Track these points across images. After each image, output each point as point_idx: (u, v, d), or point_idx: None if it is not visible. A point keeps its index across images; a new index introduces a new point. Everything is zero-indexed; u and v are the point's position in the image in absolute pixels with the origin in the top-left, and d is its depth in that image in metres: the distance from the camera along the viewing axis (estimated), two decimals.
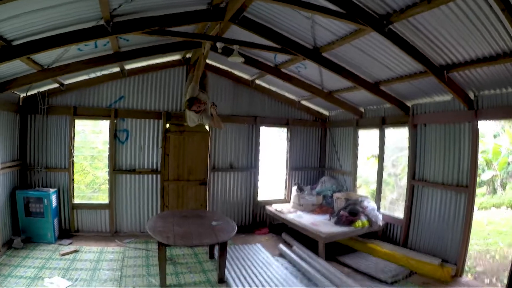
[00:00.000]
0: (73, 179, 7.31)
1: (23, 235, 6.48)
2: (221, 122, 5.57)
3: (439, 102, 6.03)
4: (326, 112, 9.30)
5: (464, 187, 5.49)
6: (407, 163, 6.72)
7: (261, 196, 8.71)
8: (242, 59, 5.62)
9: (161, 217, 6.04)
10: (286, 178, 8.97)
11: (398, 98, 6.59)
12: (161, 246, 4.87)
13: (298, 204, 8.06)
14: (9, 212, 6.43)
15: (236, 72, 8.21)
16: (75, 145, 7.33)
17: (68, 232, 7.25)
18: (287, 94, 8.74)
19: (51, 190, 6.77)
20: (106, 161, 7.69)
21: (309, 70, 6.83)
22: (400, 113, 6.81)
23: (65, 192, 7.23)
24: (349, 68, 6.03)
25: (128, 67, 7.34)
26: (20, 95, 6.82)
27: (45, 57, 5.49)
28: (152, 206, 7.67)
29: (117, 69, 7.26)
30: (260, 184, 8.60)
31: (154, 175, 7.63)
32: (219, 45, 5.24)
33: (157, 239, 4.90)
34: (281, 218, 7.62)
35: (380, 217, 6.85)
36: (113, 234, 7.40)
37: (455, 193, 5.67)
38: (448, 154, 5.86)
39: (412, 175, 6.53)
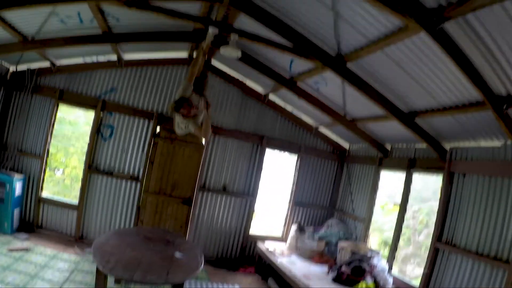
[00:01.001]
0: (44, 169, 6.49)
1: None
2: (210, 130, 4.51)
3: (486, 148, 4.63)
4: (346, 145, 8.04)
5: (504, 262, 4.01)
6: (429, 217, 5.33)
7: (255, 229, 7.49)
8: (239, 53, 4.63)
9: (119, 234, 4.92)
10: (287, 213, 7.67)
11: (434, 137, 5.27)
12: (99, 272, 3.77)
13: (295, 246, 6.75)
14: None
15: (248, 83, 7.20)
16: (56, 133, 6.68)
17: (30, 225, 6.45)
18: (303, 117, 7.59)
19: (17, 176, 6.07)
20: None
21: (330, 88, 5.68)
22: (434, 156, 5.45)
23: (34, 182, 6.45)
24: (380, 88, 4.81)
25: (127, 57, 6.56)
26: (9, 68, 6.31)
27: (25, 25, 4.91)
28: (125, 217, 6.65)
29: (114, 57, 6.49)
30: (256, 214, 7.37)
31: (133, 183, 6.64)
32: (211, 30, 4.24)
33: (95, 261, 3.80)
34: (270, 261, 6.33)
35: (391, 281, 5.46)
36: (77, 239, 6.45)
37: (491, 268, 4.17)
38: (490, 215, 4.40)
39: (439, 235, 5.11)
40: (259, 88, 7.24)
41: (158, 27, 5.27)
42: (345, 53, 4.38)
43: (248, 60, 5.89)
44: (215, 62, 6.95)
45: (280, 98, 7.27)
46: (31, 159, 6.43)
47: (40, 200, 6.46)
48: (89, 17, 4.80)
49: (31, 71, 6.38)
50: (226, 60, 6.64)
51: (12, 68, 6.34)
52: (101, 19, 4.77)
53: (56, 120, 6.63)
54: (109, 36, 5.28)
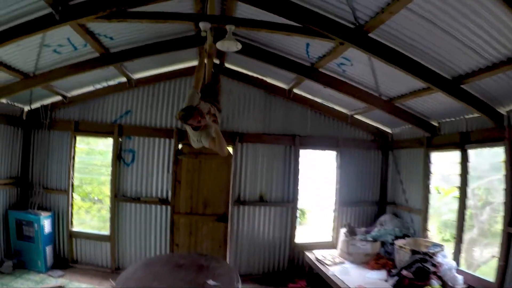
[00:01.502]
0: (71, 204, 6.32)
1: (15, 259, 5.84)
2: (224, 145, 3.97)
3: None
4: (387, 129, 7.16)
5: None
6: (489, 193, 4.42)
7: (301, 237, 6.84)
8: (238, 46, 4.05)
9: (148, 264, 4.53)
10: (334, 216, 6.94)
11: (487, 102, 4.35)
12: None
13: (347, 252, 6.03)
14: (2, 233, 5.90)
15: (269, 80, 6.58)
16: (81, 166, 6.56)
17: (65, 261, 6.31)
18: (335, 107, 6.84)
19: (44, 214, 5.99)
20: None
21: (356, 67, 4.92)
22: (489, 125, 4.55)
23: (63, 217, 6.31)
24: (413, 56, 3.99)
25: (136, 76, 6.24)
26: (23, 108, 6.29)
27: (21, 62, 4.79)
28: (160, 242, 6.31)
29: (123, 79, 6.22)
30: (301, 221, 6.75)
31: (163, 206, 6.25)
32: (202, 25, 3.70)
33: None
34: (321, 272, 5.66)
35: (461, 280, 4.62)
36: (113, 270, 6.19)
37: None
38: None
39: (510, 220, 4.26)
40: (281, 84, 6.61)
41: (156, 37, 4.85)
42: (365, 22, 3.62)
43: (262, 55, 5.26)
44: (229, 65, 6.42)
45: (306, 91, 6.57)
46: (57, 195, 6.33)
47: (72, 235, 6.30)
48: (81, 42, 4.53)
49: (44, 107, 6.34)
50: (240, 61, 6.12)
51: (26, 108, 6.31)
52: (92, 41, 4.47)
53: (84, 151, 6.52)
54: (107, 57, 4.95)
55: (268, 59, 5.29)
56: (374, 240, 6.08)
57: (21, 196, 6.26)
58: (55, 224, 6.26)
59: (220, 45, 4.02)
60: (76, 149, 6.45)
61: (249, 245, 6.52)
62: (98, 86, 6.31)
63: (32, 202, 6.19)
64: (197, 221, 6.12)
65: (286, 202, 6.65)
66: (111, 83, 6.28)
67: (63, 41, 4.47)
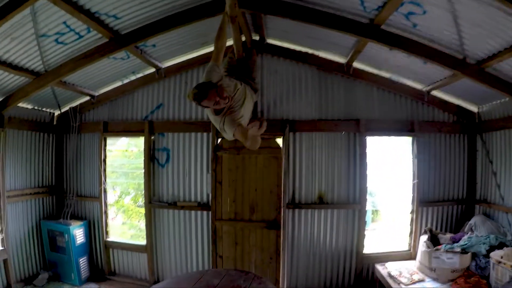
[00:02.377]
0: (105, 212, 5.70)
1: (51, 272, 5.55)
2: (259, 141, 2.95)
3: None
4: (472, 108, 5.54)
5: None
6: None
7: (370, 247, 5.57)
8: None
9: (176, 282, 3.71)
10: (412, 218, 5.53)
11: None
12: None
13: (428, 267, 4.64)
14: (37, 244, 5.57)
15: (322, 54, 5.33)
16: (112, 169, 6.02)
17: (101, 273, 5.79)
18: (407, 81, 5.39)
19: (74, 224, 5.53)
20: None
21: (431, 16, 3.46)
22: None
23: (97, 226, 5.76)
24: None
25: (165, 64, 5.48)
26: (53, 113, 5.96)
27: (26, 60, 4.27)
28: (202, 254, 5.46)
29: (151, 70, 5.46)
30: (370, 227, 5.50)
31: (205, 212, 5.36)
32: None
33: None
34: None
35: None
36: (152, 283, 5.46)
37: None
38: None
39: None
40: (338, 58, 5.32)
41: (169, 10, 3.91)
42: None
43: (308, 14, 3.94)
44: (272, 41, 5.32)
45: (369, 63, 5.20)
46: (91, 203, 5.79)
47: (107, 245, 5.72)
48: (83, 27, 3.79)
49: (73, 110, 5.88)
50: (285, 34, 4.99)
51: (56, 112, 5.95)
52: (93, 23, 3.66)
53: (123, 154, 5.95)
54: (117, 40, 4.10)
55: (314, 19, 3.97)
56: (463, 251, 4.61)
57: (56, 205, 5.89)
58: (90, 233, 5.75)
59: None
60: (108, 152, 5.87)
61: (307, 256, 5.38)
62: (126, 81, 5.63)
63: (65, 211, 5.71)
64: (243, 229, 5.16)
65: (352, 203, 5.38)
66: (139, 75, 5.55)
67: (61, 28, 3.77)
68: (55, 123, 5.94)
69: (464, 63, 4.08)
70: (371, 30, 3.93)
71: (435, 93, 5.43)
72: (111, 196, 6.72)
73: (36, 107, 5.54)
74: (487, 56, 3.84)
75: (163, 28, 4.02)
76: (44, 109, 5.71)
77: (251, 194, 5.17)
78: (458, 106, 5.54)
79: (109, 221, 5.82)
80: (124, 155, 7.26)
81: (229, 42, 3.85)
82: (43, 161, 5.72)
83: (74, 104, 5.90)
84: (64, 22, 3.63)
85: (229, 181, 5.19)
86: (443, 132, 5.55)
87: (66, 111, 5.89)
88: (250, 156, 5.14)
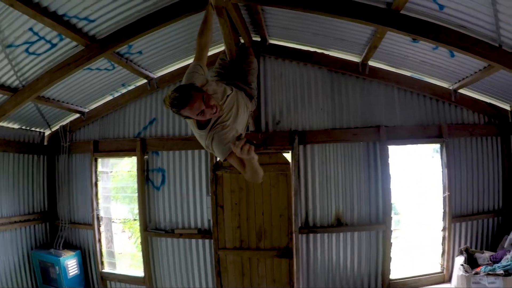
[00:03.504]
0: (99, 240, 5.18)
1: None
2: (260, 171, 2.23)
3: None
4: (505, 106, 4.75)
5: None
6: None
7: (397, 271, 4.83)
8: None
9: None
10: (443, 236, 4.76)
11: None
12: None
13: None
14: (29, 277, 5.07)
15: (333, 53, 4.64)
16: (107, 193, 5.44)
17: None
18: (430, 80, 4.65)
19: (66, 254, 5.04)
20: None
21: None
22: None
23: (91, 256, 5.24)
24: None
25: (156, 74, 4.92)
26: (44, 133, 5.50)
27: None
28: (206, 286, 4.84)
29: (143, 81, 4.95)
30: (395, 248, 4.79)
31: (206, 240, 4.77)
32: None
33: None
34: None
35: None
36: None
37: None
38: None
39: None
40: (351, 57, 4.62)
41: (150, 7, 3.33)
42: None
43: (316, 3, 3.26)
44: (275, 41, 4.68)
45: (387, 61, 4.49)
46: (84, 230, 5.26)
47: (103, 277, 5.18)
48: (53, 33, 3.29)
49: (63, 128, 5.41)
50: (289, 32, 4.34)
51: (47, 132, 5.50)
52: (62, 28, 3.10)
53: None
54: (94, 47, 3.55)
55: (318, 5, 3.20)
56: (507, 273, 3.90)
57: (50, 232, 5.40)
58: (85, 264, 5.24)
59: None
60: (110, 173, 5.47)
61: (325, 285, 4.71)
62: (117, 95, 5.12)
63: (57, 240, 5.21)
64: (251, 258, 4.53)
65: (375, 224, 4.66)
66: (131, 88, 5.03)
67: (28, 36, 3.28)
68: (46, 143, 5.48)
69: (502, 52, 3.31)
70: (389, 16, 3.17)
71: (463, 91, 4.68)
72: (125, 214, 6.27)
73: (23, 127, 5.10)
74: None
75: (143, 28, 3.44)
76: (33, 128, 5.26)
77: (257, 219, 4.53)
78: (488, 105, 4.78)
79: (104, 250, 5.24)
80: (130, 175, 6.72)
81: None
82: (33, 185, 5.25)
83: (64, 122, 5.43)
84: (31, 29, 3.16)
85: (231, 204, 4.56)
86: (475, 135, 4.80)
87: (57, 130, 5.42)
88: None
